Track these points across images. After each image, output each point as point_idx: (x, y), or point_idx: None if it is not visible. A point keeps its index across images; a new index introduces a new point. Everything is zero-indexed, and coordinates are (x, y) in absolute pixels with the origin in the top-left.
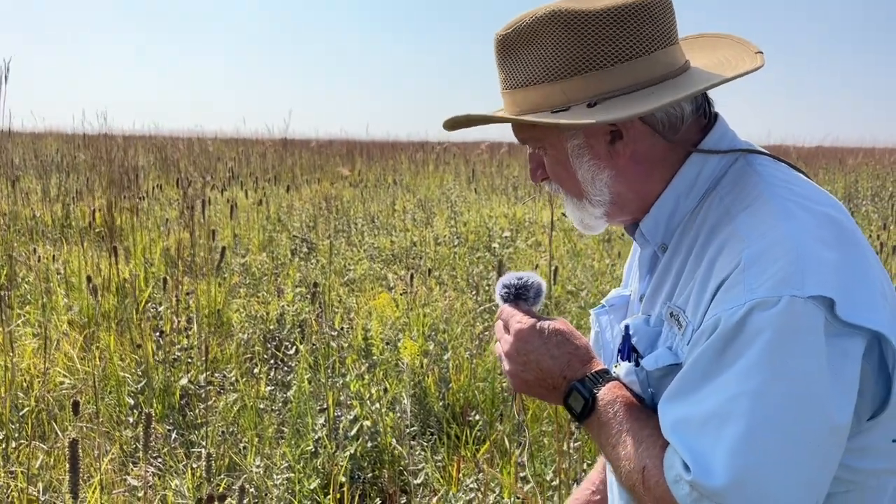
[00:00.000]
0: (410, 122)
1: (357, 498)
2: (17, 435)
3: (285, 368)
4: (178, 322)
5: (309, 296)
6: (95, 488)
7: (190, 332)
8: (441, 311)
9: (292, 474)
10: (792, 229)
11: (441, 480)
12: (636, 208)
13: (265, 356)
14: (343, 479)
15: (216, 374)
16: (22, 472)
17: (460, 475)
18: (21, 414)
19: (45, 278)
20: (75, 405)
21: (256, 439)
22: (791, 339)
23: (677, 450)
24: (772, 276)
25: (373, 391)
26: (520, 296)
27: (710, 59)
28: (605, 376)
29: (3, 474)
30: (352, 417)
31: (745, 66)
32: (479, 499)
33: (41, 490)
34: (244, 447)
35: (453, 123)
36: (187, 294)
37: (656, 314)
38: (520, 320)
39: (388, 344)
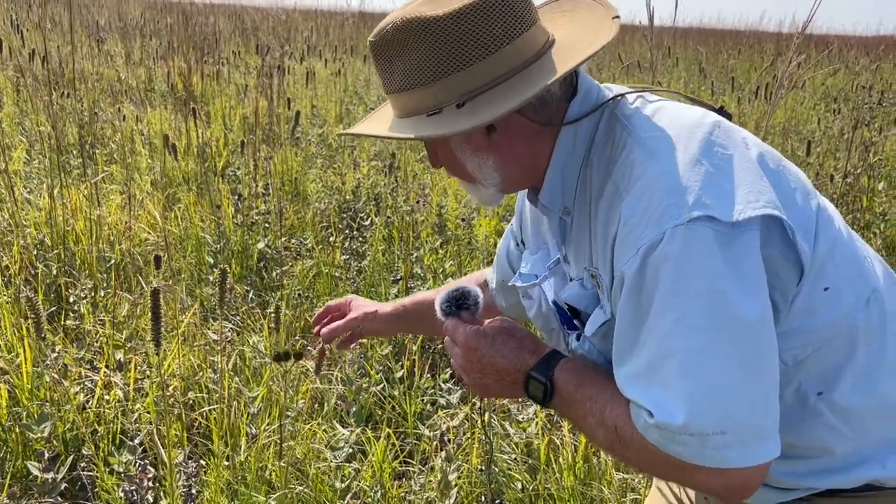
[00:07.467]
0: None
1: (427, 367)
2: (104, 285)
3: (360, 239)
4: (256, 187)
5: (385, 170)
6: (178, 340)
7: (268, 198)
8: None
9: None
10: (658, 166)
11: None
12: (529, 180)
13: (340, 226)
14: (414, 348)
15: (293, 241)
16: (110, 321)
17: None
18: (108, 265)
19: (129, 139)
20: (157, 259)
21: None
22: (687, 264)
23: (638, 403)
24: (650, 217)
25: (446, 266)
26: (461, 306)
27: (571, 29)
28: (554, 357)
29: (92, 320)
30: (425, 290)
31: (600, 40)
32: None
33: (127, 337)
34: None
35: (346, 135)
36: (265, 160)
37: (585, 277)
38: (463, 331)
39: (462, 221)
